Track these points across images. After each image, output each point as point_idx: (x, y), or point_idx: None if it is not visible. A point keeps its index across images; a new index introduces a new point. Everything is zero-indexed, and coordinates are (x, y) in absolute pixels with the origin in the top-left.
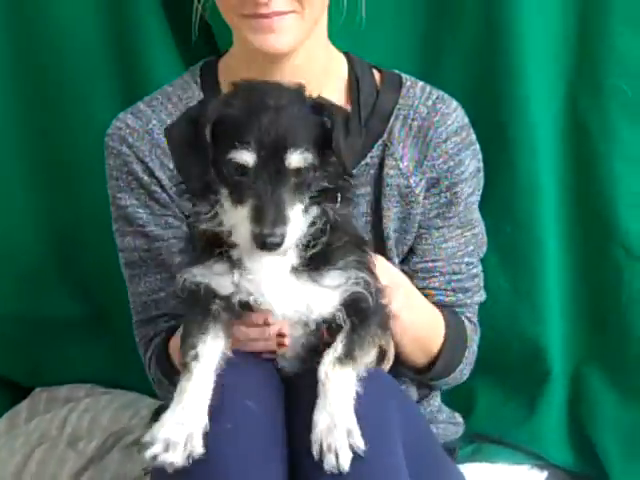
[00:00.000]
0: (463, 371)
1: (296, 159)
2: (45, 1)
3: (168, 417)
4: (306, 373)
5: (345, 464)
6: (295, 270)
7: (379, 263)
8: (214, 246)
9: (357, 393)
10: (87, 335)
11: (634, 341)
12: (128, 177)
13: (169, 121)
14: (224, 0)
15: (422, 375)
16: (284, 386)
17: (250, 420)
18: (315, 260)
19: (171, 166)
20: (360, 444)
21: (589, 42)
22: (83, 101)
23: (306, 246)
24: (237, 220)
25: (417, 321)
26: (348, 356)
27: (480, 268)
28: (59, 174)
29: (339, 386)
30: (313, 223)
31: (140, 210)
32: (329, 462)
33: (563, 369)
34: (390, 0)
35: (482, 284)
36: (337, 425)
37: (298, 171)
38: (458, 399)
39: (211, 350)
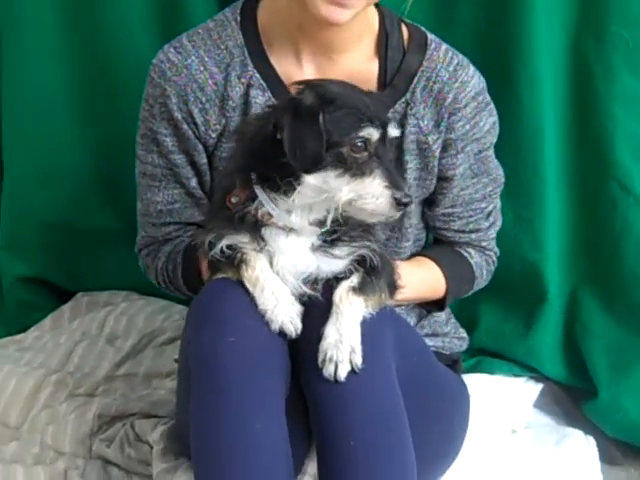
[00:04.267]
0: (475, 289)
1: (396, 131)
2: None
3: (269, 304)
4: (320, 298)
5: (342, 375)
6: (312, 247)
7: None
8: (241, 223)
9: (364, 318)
10: (126, 247)
11: (625, 267)
12: (161, 108)
13: (206, 58)
14: None
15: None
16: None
17: (252, 335)
18: (330, 240)
19: (204, 100)
20: (358, 361)
21: None
22: (126, 32)
23: (329, 232)
24: (359, 191)
25: (413, 293)
26: (361, 290)
27: (497, 202)
28: (105, 99)
29: (350, 309)
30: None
31: (167, 138)
32: (328, 370)
33: (560, 291)
34: None
35: (499, 215)
36: (343, 341)
37: (392, 141)
38: (463, 317)
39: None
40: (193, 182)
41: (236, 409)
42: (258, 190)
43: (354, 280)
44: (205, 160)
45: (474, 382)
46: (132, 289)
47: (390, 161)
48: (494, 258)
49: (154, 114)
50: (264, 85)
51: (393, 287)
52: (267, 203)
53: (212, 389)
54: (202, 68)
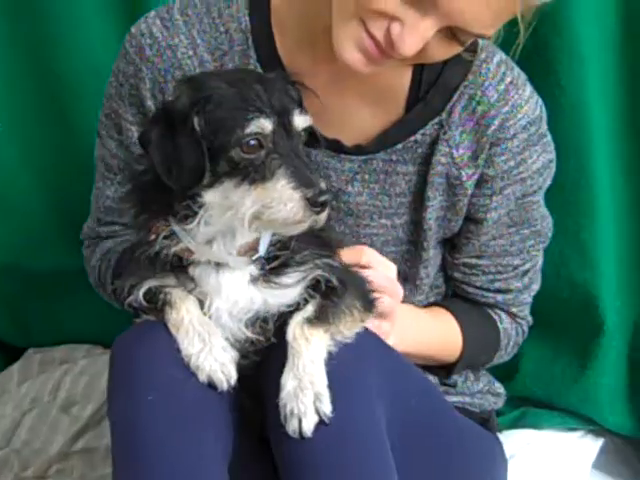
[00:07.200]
0: (494, 362)
1: (303, 119)
2: None
3: (195, 349)
4: (273, 340)
5: (308, 430)
6: (252, 280)
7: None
8: (163, 265)
9: (330, 354)
10: (86, 291)
11: None
12: (131, 90)
13: (199, 40)
14: None
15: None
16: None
17: (176, 390)
18: (273, 268)
19: None
20: (327, 409)
21: None
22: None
23: (268, 259)
24: (264, 199)
25: (418, 346)
26: (319, 318)
27: (538, 260)
28: (60, 128)
29: (308, 347)
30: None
31: (132, 128)
32: (292, 427)
33: (620, 320)
34: None
35: (538, 276)
36: (304, 389)
37: (303, 132)
38: None
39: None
40: None
41: None
42: (172, 222)
43: (308, 309)
44: None
45: (517, 440)
46: (95, 342)
47: (296, 156)
48: (525, 328)
49: (122, 95)
50: None
51: (367, 300)
52: (182, 236)
53: (131, 463)
54: (191, 52)
